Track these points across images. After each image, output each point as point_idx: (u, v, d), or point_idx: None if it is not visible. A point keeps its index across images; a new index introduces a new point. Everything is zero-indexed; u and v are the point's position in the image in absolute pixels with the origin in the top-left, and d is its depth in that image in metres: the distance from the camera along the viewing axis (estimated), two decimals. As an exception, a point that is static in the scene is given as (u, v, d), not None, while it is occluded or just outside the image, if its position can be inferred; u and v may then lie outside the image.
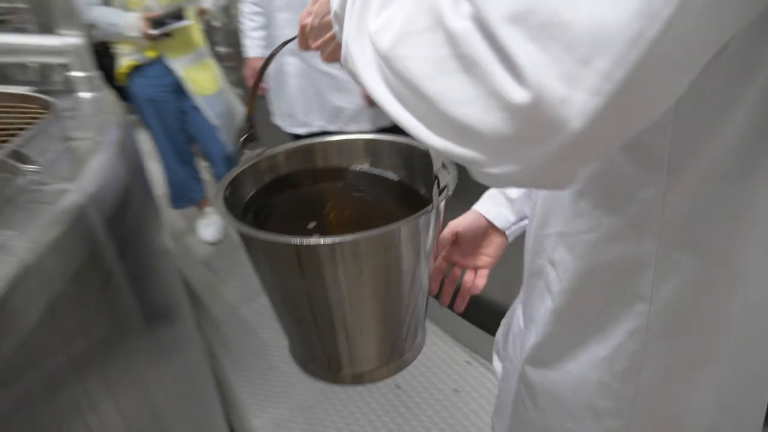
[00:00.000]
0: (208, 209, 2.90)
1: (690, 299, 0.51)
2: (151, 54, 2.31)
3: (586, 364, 0.58)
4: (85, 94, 1.23)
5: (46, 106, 0.92)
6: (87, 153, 0.91)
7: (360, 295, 0.61)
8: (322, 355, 0.69)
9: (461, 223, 0.82)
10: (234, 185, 0.69)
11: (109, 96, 1.23)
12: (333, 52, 0.58)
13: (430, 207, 0.58)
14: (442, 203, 0.61)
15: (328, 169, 0.79)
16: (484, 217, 0.82)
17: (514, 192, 0.81)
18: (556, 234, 0.58)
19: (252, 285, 2.51)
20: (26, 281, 0.62)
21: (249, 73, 2.17)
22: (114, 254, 0.85)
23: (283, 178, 0.77)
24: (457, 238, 0.82)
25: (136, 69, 2.37)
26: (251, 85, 0.68)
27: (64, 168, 0.83)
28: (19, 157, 0.74)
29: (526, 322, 0.71)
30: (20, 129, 0.85)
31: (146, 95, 2.42)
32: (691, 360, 0.54)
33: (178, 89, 2.42)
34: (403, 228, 0.57)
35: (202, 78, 2.46)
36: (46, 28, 1.51)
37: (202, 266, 2.73)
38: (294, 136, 2.07)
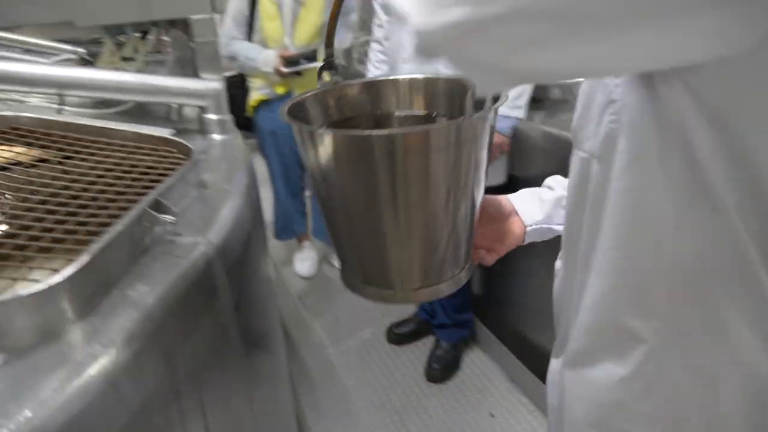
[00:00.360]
0: (307, 243, 2.96)
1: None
2: (280, 90, 2.43)
3: (604, 384, 0.59)
4: (216, 136, 1.27)
5: (185, 152, 0.95)
6: (218, 201, 0.93)
7: (413, 197, 0.61)
8: (365, 268, 0.70)
9: (489, 198, 0.82)
10: (300, 106, 0.71)
11: (237, 139, 1.27)
12: None
13: (488, 107, 0.60)
14: (494, 119, 0.63)
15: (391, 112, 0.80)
16: (512, 204, 0.83)
17: (547, 194, 0.83)
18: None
19: (341, 326, 2.51)
20: (153, 339, 0.63)
21: None
22: (228, 289, 0.85)
23: (348, 108, 0.78)
24: (484, 209, 0.82)
25: (264, 103, 2.52)
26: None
27: (197, 217, 0.85)
28: (159, 206, 0.76)
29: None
30: (160, 174, 0.88)
31: (270, 128, 2.54)
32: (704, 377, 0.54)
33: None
34: (460, 126, 0.58)
35: None
36: (188, 71, 1.60)
37: (293, 299, 2.76)
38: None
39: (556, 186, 0.84)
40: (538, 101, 1.91)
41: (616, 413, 0.59)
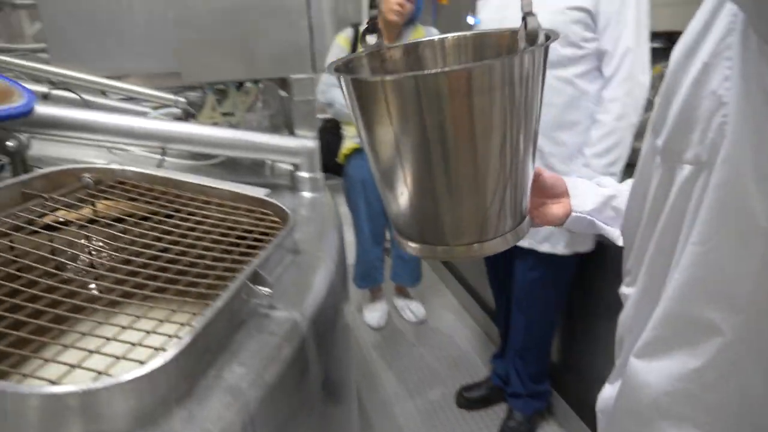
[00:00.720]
0: (379, 294, 2.92)
1: None
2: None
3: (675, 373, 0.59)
4: (306, 194, 1.27)
5: (282, 216, 0.94)
6: (310, 269, 0.90)
7: (461, 142, 0.58)
8: (417, 224, 0.67)
9: (548, 172, 0.84)
10: (346, 68, 0.70)
11: (327, 198, 1.26)
12: None
13: (538, 45, 0.58)
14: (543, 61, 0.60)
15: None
16: (566, 186, 0.85)
17: (601, 189, 0.85)
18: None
19: (409, 382, 2.43)
20: (247, 426, 0.60)
21: None
22: (318, 360, 0.82)
23: (393, 69, 0.76)
24: (537, 180, 0.82)
25: (357, 151, 2.56)
26: None
27: (291, 287, 0.83)
28: (257, 278, 0.74)
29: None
30: (257, 239, 0.87)
31: (360, 177, 2.57)
32: None
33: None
34: (507, 64, 0.55)
35: None
36: (283, 126, 1.63)
37: (361, 350, 2.71)
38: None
39: (609, 185, 0.86)
40: (633, 167, 1.82)
41: (684, 401, 0.60)
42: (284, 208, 0.94)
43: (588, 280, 1.93)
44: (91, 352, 0.57)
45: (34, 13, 3.61)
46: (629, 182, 0.89)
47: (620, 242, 0.85)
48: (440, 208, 0.63)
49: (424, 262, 3.07)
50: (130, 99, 1.79)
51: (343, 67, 0.70)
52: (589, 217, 0.85)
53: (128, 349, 0.59)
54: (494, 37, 0.74)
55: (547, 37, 0.62)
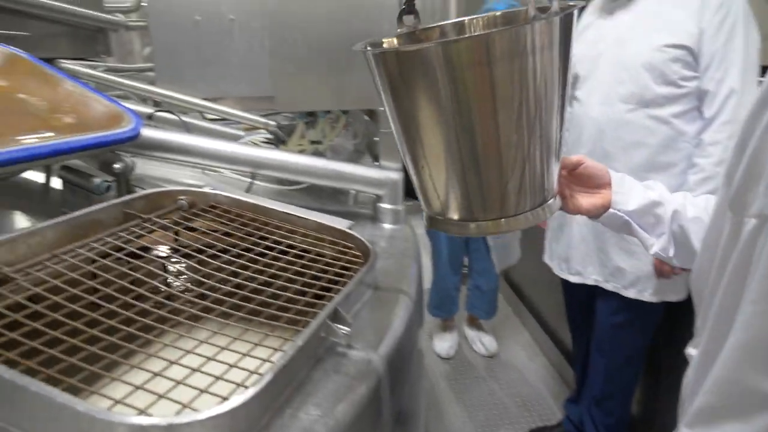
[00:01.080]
0: (452, 324, 2.88)
1: None
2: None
3: None
4: (387, 226, 1.27)
5: (364, 251, 0.94)
6: (389, 307, 0.90)
7: (481, 112, 0.58)
8: (444, 201, 0.68)
9: (589, 162, 0.82)
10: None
11: (407, 231, 1.26)
12: None
13: (552, 12, 0.56)
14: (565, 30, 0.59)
15: None
16: (610, 179, 0.83)
17: (648, 193, 0.84)
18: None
19: (476, 418, 2.36)
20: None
21: None
22: (390, 401, 0.80)
23: None
24: (577, 169, 0.82)
25: None
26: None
27: (369, 325, 0.82)
28: (336, 315, 0.74)
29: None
30: (338, 274, 0.87)
31: None
32: None
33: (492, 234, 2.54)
34: (532, 30, 0.55)
35: None
36: (365, 153, 1.65)
37: (429, 380, 2.67)
38: (564, 281, 1.94)
39: (657, 189, 0.84)
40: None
41: None
42: (367, 243, 0.94)
43: (678, 328, 1.81)
44: (177, 382, 0.59)
45: (145, 33, 3.88)
46: (681, 195, 0.86)
47: (652, 251, 0.86)
48: (467, 182, 0.64)
49: (500, 295, 3.00)
50: (223, 120, 1.88)
51: (375, 47, 0.70)
52: (626, 217, 0.84)
53: (210, 383, 0.60)
54: (524, 12, 0.72)
55: (562, 9, 0.60)
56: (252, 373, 0.62)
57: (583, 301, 1.95)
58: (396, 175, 1.25)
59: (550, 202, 0.70)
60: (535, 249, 2.86)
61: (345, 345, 0.74)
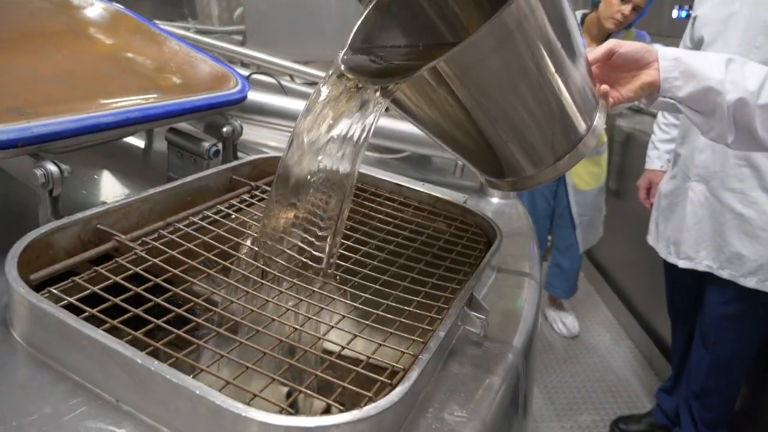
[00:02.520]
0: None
1: None
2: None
3: None
4: (495, 200, 1.18)
5: (486, 228, 0.85)
6: (516, 292, 0.81)
7: (497, 105, 0.62)
8: (498, 168, 0.73)
9: (626, 45, 0.77)
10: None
11: (519, 207, 1.16)
12: None
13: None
14: None
15: None
16: (657, 57, 0.77)
17: (708, 80, 0.77)
18: None
19: (558, 401, 2.27)
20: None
21: (644, 184, 1.97)
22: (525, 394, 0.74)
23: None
24: (611, 59, 0.78)
25: None
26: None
27: (497, 312, 0.75)
28: (471, 303, 0.67)
29: None
30: (462, 255, 0.79)
31: None
32: None
33: (560, 176, 2.40)
34: (493, 28, 0.54)
35: (586, 173, 2.39)
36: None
37: (506, 358, 2.59)
38: (670, 265, 1.79)
39: (717, 69, 0.77)
40: None
41: None
42: (489, 220, 0.86)
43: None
44: (315, 374, 0.53)
45: (223, -5, 3.86)
46: (759, 75, 0.78)
47: (707, 136, 0.82)
48: (510, 153, 0.69)
49: (581, 273, 2.86)
50: (313, 84, 1.82)
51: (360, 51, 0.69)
52: (676, 93, 0.78)
53: (350, 375, 0.54)
54: None
55: None
56: (392, 367, 0.55)
57: (690, 287, 1.80)
58: (508, 146, 1.14)
59: (586, 137, 0.71)
60: (619, 227, 2.69)
61: (481, 336, 0.66)
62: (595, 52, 0.78)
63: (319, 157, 0.63)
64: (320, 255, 0.67)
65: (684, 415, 1.88)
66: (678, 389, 1.96)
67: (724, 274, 1.60)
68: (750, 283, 1.55)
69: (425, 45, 0.77)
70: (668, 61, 0.77)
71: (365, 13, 0.70)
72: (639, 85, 0.78)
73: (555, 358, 2.57)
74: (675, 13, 2.57)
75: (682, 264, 1.70)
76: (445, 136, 0.71)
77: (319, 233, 0.67)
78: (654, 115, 2.61)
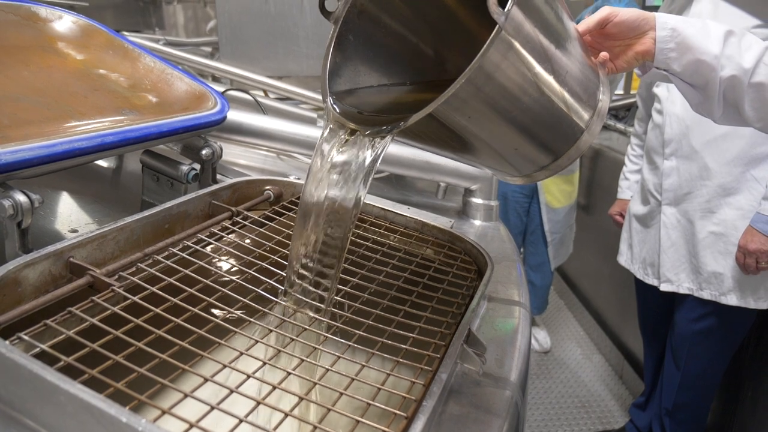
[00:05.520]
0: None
1: None
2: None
3: None
4: (477, 222, 1.16)
5: (476, 256, 0.83)
6: (507, 322, 0.79)
7: (500, 125, 0.61)
8: (522, 165, 0.72)
9: (621, 13, 0.75)
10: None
11: (502, 229, 1.15)
12: None
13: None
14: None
15: None
16: (653, 20, 0.75)
17: (706, 54, 0.75)
18: None
19: (530, 418, 2.26)
20: None
21: (616, 212, 1.99)
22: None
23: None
24: (605, 28, 0.76)
25: None
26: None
27: (494, 347, 0.72)
28: (469, 339, 0.64)
29: None
30: (452, 285, 0.77)
31: (502, 192, 2.44)
32: None
33: (533, 193, 2.46)
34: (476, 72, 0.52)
35: (559, 191, 2.43)
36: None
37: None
38: (641, 284, 1.81)
39: (715, 43, 0.76)
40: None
41: None
42: (479, 248, 0.84)
43: None
44: (315, 427, 0.49)
45: (188, 6, 3.78)
46: (754, 52, 0.77)
47: (695, 109, 0.81)
48: (527, 152, 0.68)
49: (551, 287, 2.88)
50: (285, 99, 1.78)
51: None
52: (671, 54, 0.76)
53: (352, 427, 0.50)
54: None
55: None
56: (394, 413, 0.52)
57: (661, 305, 1.83)
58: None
59: (593, 118, 0.70)
60: (588, 242, 2.72)
61: (480, 374, 0.64)
62: (588, 21, 0.76)
63: (325, 191, 0.62)
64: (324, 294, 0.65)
65: (655, 428, 1.89)
66: (651, 405, 1.98)
67: (705, 294, 1.61)
68: (732, 300, 1.57)
69: (411, 81, 0.76)
70: (665, 30, 0.75)
71: (329, 59, 0.68)
72: (633, 55, 0.77)
73: (539, 368, 2.58)
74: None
75: (664, 287, 1.70)
76: (452, 155, 0.70)
77: (324, 270, 0.65)
78: (623, 132, 2.66)
